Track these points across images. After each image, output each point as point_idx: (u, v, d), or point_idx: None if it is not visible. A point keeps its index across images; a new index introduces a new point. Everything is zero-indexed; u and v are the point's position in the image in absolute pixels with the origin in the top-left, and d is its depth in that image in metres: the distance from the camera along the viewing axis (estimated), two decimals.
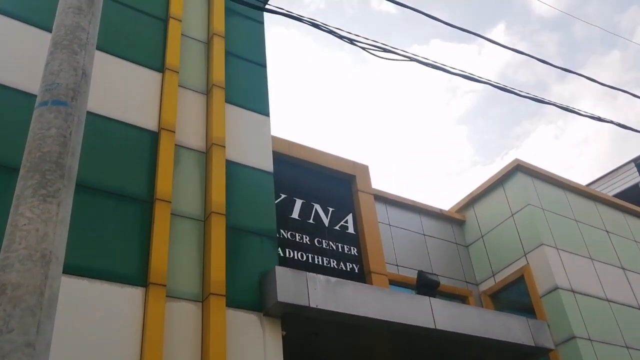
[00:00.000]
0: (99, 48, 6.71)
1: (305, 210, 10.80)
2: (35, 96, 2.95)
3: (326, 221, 10.95)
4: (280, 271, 6.27)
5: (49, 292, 2.37)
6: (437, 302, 7.26)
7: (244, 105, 7.66)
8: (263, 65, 8.33)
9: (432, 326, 6.97)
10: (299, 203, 10.84)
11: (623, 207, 13.77)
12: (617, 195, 16.43)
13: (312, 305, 6.24)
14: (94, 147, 6.08)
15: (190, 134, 6.95)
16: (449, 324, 7.14)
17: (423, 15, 6.25)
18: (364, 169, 12.08)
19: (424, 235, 12.40)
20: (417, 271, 8.85)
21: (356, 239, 11.06)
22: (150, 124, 6.65)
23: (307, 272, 6.48)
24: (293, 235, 10.27)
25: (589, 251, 11.94)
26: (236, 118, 7.45)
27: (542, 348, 7.83)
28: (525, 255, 11.53)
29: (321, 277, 6.56)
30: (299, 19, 5.19)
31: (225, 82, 7.61)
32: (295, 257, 10.21)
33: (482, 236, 12.59)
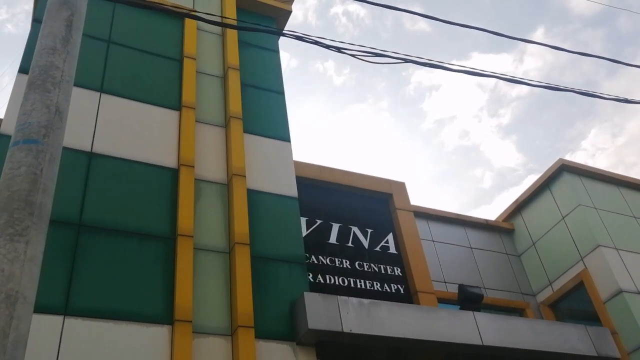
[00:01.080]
0: (115, 94, 6.91)
1: (343, 234, 10.59)
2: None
3: (366, 243, 10.70)
4: (310, 297, 6.08)
5: (15, 333, 2.28)
6: (482, 317, 6.87)
7: (263, 133, 7.62)
8: (280, 92, 8.30)
9: (478, 342, 6.59)
10: (336, 227, 10.65)
11: None
12: None
13: (346, 330, 6.00)
14: (116, 190, 6.14)
15: (211, 167, 6.94)
16: (497, 338, 6.73)
17: (458, 31, 6.06)
18: (401, 186, 11.80)
19: (471, 248, 11.94)
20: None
21: (399, 259, 10.74)
22: (170, 161, 6.67)
23: (339, 296, 6.26)
24: (332, 261, 10.05)
25: None
26: (256, 147, 7.41)
27: (607, 357, 7.26)
28: (582, 259, 10.90)
29: (354, 299, 6.32)
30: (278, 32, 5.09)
31: (243, 112, 7.62)
32: (337, 283, 9.97)
33: (533, 244, 12.01)
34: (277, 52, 8.87)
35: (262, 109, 7.95)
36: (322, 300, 6.14)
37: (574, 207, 11.29)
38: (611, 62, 7.72)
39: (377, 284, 10.25)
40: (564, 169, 11.67)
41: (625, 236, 11.00)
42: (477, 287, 7.69)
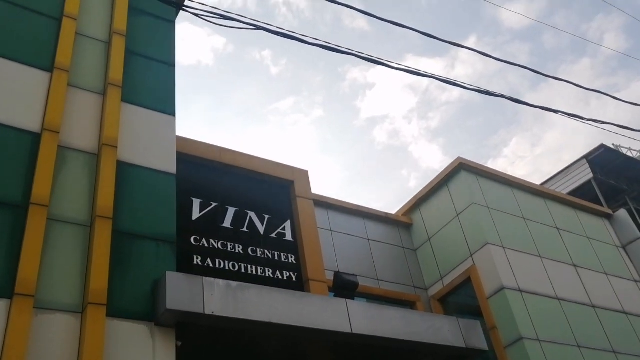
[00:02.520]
0: None
1: (239, 218, 10.33)
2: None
3: (262, 229, 10.49)
4: (172, 277, 5.79)
5: None
6: (354, 305, 6.82)
7: (145, 104, 7.24)
8: (171, 64, 7.93)
9: (348, 330, 6.52)
10: (231, 211, 10.37)
11: (574, 204, 13.53)
12: (571, 193, 16.22)
13: (208, 312, 5.76)
14: None
15: (81, 135, 6.50)
16: (368, 327, 6.70)
17: (395, 31, 5.99)
18: (303, 174, 11.67)
19: (369, 240, 12.01)
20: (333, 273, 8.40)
21: (294, 246, 10.61)
22: (32, 125, 6.18)
23: (205, 277, 6.02)
24: (224, 245, 9.79)
25: (539, 249, 11.62)
26: (135, 118, 7.02)
27: (474, 349, 7.40)
28: (471, 255, 11.18)
29: (220, 281, 6.09)
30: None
31: (125, 81, 7.20)
32: (227, 268, 9.71)
33: (429, 239, 12.22)
34: (173, 22, 8.47)
35: (148, 79, 7.55)
36: (186, 280, 5.88)
37: (468, 205, 11.56)
38: (534, 75, 7.92)
39: (269, 271, 10.08)
40: (462, 167, 11.93)
41: (514, 236, 11.38)
42: (353, 274, 7.65)
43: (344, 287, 7.26)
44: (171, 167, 6.95)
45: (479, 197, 11.51)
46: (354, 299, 6.99)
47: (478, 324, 7.70)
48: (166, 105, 7.45)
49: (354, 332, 6.55)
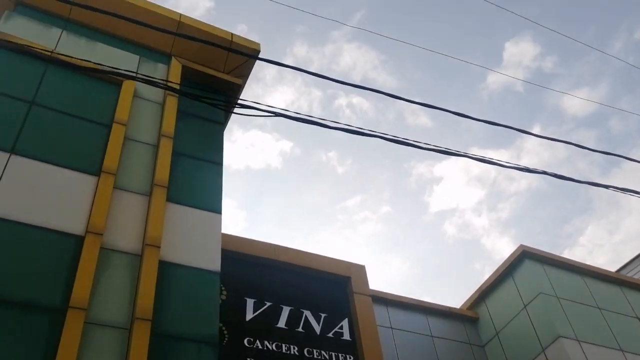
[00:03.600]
0: (28, 155, 6.57)
1: (294, 317, 9.95)
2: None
3: (318, 328, 10.04)
4: None
5: None
6: None
7: (191, 203, 7.24)
8: (218, 163, 8.01)
9: None
10: (286, 310, 10.03)
11: None
12: None
13: None
14: (7, 256, 5.65)
15: (125, 236, 6.48)
16: None
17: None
18: (360, 269, 11.28)
19: (432, 336, 11.24)
20: None
21: (353, 346, 10.04)
22: (76, 228, 6.23)
23: None
24: (279, 347, 9.38)
25: (619, 342, 10.51)
26: (180, 217, 7.00)
27: None
28: (543, 350, 10.22)
29: None
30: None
31: (172, 181, 7.29)
32: None
33: (497, 333, 11.33)
34: (221, 123, 8.66)
35: (195, 179, 7.61)
36: None
37: (535, 295, 10.74)
38: (605, 160, 7.52)
39: None
40: (526, 255, 11.22)
41: (588, 327, 10.38)
42: None
43: None
44: (215, 265, 6.79)
45: (546, 287, 10.69)
46: None
47: None
48: (212, 204, 7.42)
49: None
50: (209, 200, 7.43)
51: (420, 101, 5.75)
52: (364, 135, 5.19)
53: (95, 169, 6.90)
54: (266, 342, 9.35)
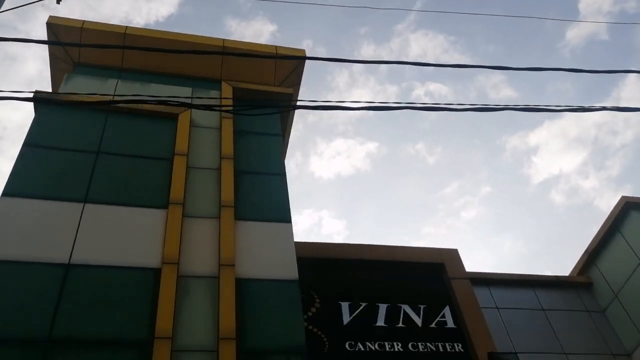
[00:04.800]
0: (100, 202, 6.92)
1: (392, 314, 9.76)
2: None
3: (419, 321, 9.78)
4: None
5: None
6: None
7: (259, 217, 7.31)
8: (280, 174, 8.03)
9: None
10: (383, 308, 9.86)
11: None
12: None
13: None
14: (92, 299, 5.95)
15: (200, 261, 6.64)
16: None
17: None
18: (453, 253, 10.89)
19: (544, 310, 10.59)
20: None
21: (459, 333, 9.68)
22: (153, 261, 6.46)
23: None
24: (382, 346, 9.23)
25: None
26: (250, 233, 7.08)
27: None
28: None
29: None
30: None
31: (237, 199, 7.40)
32: None
33: (615, 295, 10.48)
34: (278, 135, 8.71)
35: (259, 193, 7.68)
36: None
37: None
38: None
39: None
40: (630, 207, 10.32)
41: None
42: (512, 353, 6.60)
43: None
44: (292, 273, 6.77)
45: None
46: None
47: None
48: (280, 214, 7.44)
49: None
50: (277, 211, 7.46)
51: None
52: (394, 109, 5.00)
53: (163, 202, 7.14)
54: (367, 343, 9.22)
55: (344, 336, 9.19)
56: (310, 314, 9.40)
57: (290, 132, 10.32)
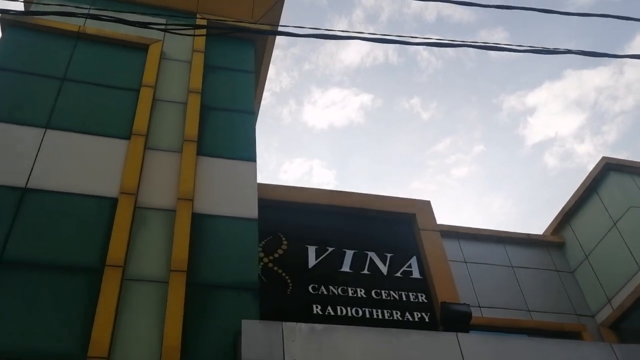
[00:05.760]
0: (62, 128, 6.79)
1: (358, 261, 9.77)
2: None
3: (384, 269, 9.80)
4: (248, 325, 5.39)
5: None
6: (468, 338, 5.83)
7: (224, 154, 7.20)
8: (249, 112, 7.88)
9: None
10: (349, 254, 9.86)
11: None
12: None
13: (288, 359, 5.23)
14: (46, 225, 5.90)
15: (160, 194, 6.56)
16: None
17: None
18: (425, 204, 10.83)
19: (512, 267, 10.64)
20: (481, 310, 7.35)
21: (423, 284, 9.72)
22: (111, 191, 6.37)
23: (285, 322, 5.53)
24: (345, 291, 9.27)
25: None
26: (213, 169, 6.98)
27: None
28: None
29: (303, 325, 5.56)
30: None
31: (203, 135, 7.30)
32: (350, 314, 9.13)
33: (586, 257, 10.52)
34: (251, 72, 8.51)
35: (227, 130, 7.54)
36: (263, 328, 5.43)
37: (626, 210, 9.80)
38: None
39: (397, 313, 9.30)
40: (610, 167, 10.23)
41: None
42: (464, 304, 6.62)
43: (453, 319, 6.29)
44: (252, 212, 6.71)
45: (637, 199, 9.71)
46: (467, 332, 5.99)
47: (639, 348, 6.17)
48: (245, 152, 7.33)
49: None
50: (242, 149, 7.34)
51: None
52: (384, 42, 4.84)
53: (126, 133, 7.01)
54: (331, 287, 9.26)
55: (308, 279, 9.21)
56: (276, 255, 9.41)
57: (267, 72, 10.11)
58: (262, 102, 11.21)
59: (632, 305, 9.28)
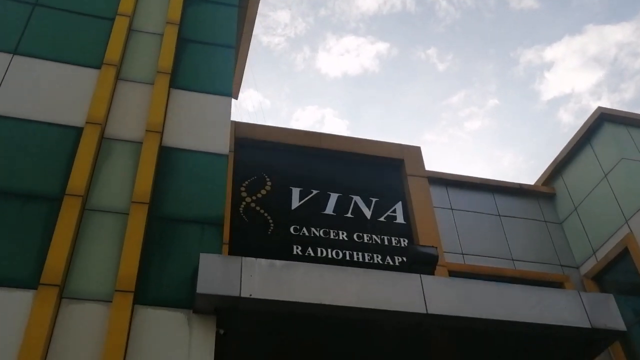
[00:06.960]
0: (31, 55, 6.62)
1: (342, 204, 9.70)
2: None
3: (368, 213, 9.74)
4: (207, 259, 5.35)
5: None
6: (431, 280, 5.76)
7: (198, 88, 7.01)
8: (228, 46, 7.63)
9: (422, 311, 5.51)
10: (334, 197, 9.80)
11: None
12: None
13: (245, 294, 5.21)
14: (9, 151, 5.81)
15: (129, 125, 6.43)
16: (448, 306, 5.60)
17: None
18: (415, 150, 10.66)
19: (500, 216, 10.53)
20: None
21: (407, 229, 9.67)
22: (77, 120, 6.25)
23: (244, 257, 5.48)
24: (327, 233, 9.25)
25: None
26: (186, 102, 6.82)
27: (605, 330, 5.84)
28: (627, 222, 9.21)
29: (263, 261, 5.51)
30: None
31: (179, 68, 7.11)
32: (330, 256, 9.14)
33: (575, 208, 10.36)
34: (234, 6, 8.20)
35: (204, 64, 7.32)
36: (222, 262, 5.39)
37: (617, 162, 9.58)
38: None
39: (378, 257, 9.30)
40: (604, 118, 9.93)
41: None
42: (431, 246, 6.53)
43: (419, 262, 6.21)
44: (222, 148, 6.57)
45: (629, 151, 9.45)
46: (432, 274, 5.92)
47: (611, 297, 6.10)
48: (220, 87, 7.14)
49: (429, 312, 5.51)
50: (217, 83, 7.14)
51: None
52: None
53: (98, 63, 6.82)
54: (313, 229, 9.23)
55: (291, 220, 9.18)
56: (260, 195, 9.35)
57: (257, 8, 9.77)
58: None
59: (616, 257, 9.17)
